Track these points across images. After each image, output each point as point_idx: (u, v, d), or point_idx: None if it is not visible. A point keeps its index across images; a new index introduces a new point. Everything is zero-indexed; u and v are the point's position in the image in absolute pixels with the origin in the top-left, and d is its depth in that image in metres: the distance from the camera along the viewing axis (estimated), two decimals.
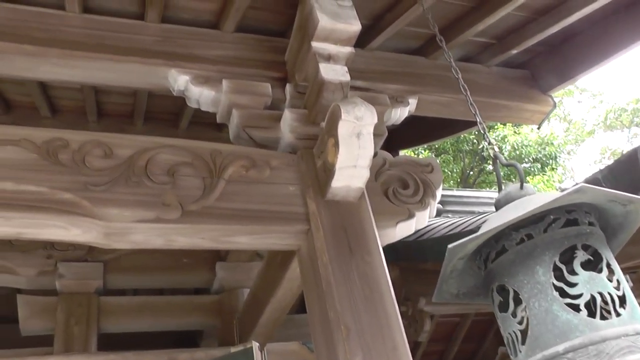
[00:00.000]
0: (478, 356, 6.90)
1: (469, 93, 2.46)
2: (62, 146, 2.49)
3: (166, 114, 4.60)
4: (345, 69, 2.91)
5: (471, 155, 16.89)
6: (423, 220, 3.08)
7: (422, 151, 15.50)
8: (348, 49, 2.93)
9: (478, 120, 2.33)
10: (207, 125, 4.74)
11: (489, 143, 2.15)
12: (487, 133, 2.22)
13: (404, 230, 2.98)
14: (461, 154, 16.77)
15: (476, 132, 15.17)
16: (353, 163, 2.56)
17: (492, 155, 2.06)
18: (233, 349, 3.15)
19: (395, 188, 3.02)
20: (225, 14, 3.12)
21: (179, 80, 3.02)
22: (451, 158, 16.59)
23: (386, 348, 2.30)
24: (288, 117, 2.89)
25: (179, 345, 5.18)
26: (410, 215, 2.97)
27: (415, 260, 4.99)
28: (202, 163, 2.62)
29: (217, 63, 3.10)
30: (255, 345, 3.07)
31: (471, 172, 17.37)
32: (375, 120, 2.57)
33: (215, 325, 4.69)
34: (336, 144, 2.54)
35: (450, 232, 4.60)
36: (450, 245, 1.70)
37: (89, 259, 4.54)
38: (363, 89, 3.33)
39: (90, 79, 3.06)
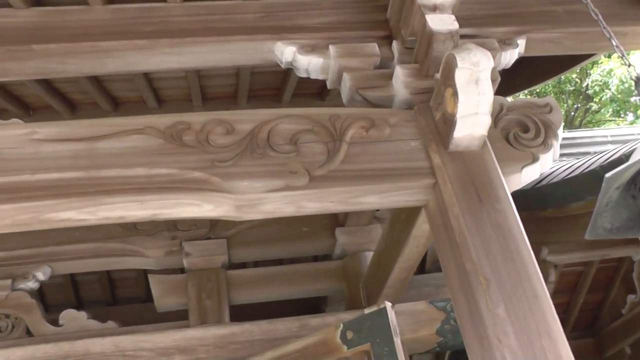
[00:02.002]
0: (605, 307, 6.66)
1: (600, 17, 2.34)
2: (185, 129, 2.58)
3: (268, 89, 4.68)
4: (453, 17, 2.86)
5: (574, 95, 16.21)
6: (547, 163, 2.99)
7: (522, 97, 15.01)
8: None
9: (614, 43, 2.21)
10: (309, 95, 4.79)
11: (629, 65, 2.04)
12: (625, 55, 2.11)
13: (529, 175, 2.90)
14: (564, 95, 16.13)
15: (577, 71, 14.58)
16: (474, 110, 2.51)
17: (633, 78, 1.96)
18: (367, 311, 3.17)
19: (516, 132, 2.93)
20: None
21: (286, 52, 3.05)
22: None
23: (527, 297, 2.26)
24: (400, 73, 2.85)
25: (305, 312, 5.31)
26: (535, 159, 2.88)
27: (535, 209, 4.86)
28: (322, 128, 2.63)
29: (321, 30, 3.11)
30: (388, 305, 3.08)
31: (575, 113, 16.70)
32: (492, 64, 2.51)
33: (341, 290, 4.73)
34: (455, 94, 2.49)
35: (570, 175, 4.45)
36: (607, 174, 1.64)
37: (212, 236, 4.69)
38: (470, 36, 3.24)
39: (200, 63, 3.15)
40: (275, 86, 4.65)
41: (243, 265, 5.33)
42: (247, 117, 2.65)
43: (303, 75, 3.12)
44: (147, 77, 4.17)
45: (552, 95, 15.79)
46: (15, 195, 2.41)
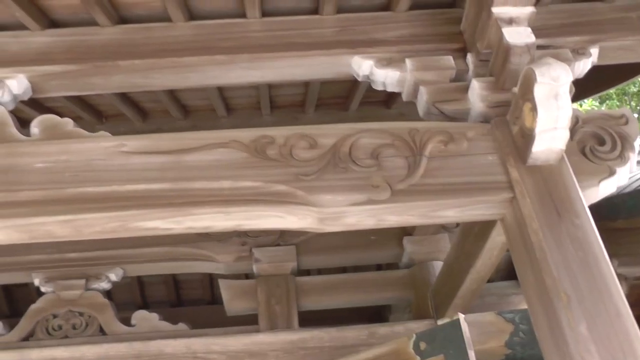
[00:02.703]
0: None
1: None
2: (268, 143, 2.65)
3: (335, 98, 4.74)
4: (529, 30, 2.85)
5: (638, 97, 15.78)
6: (624, 176, 2.96)
7: (584, 100, 14.70)
8: (529, 9, 2.87)
9: None
10: (375, 103, 4.83)
11: None
12: None
13: (606, 189, 2.87)
14: (626, 97, 15.73)
15: None
16: (553, 125, 2.50)
17: None
18: (439, 322, 3.19)
19: (592, 145, 2.91)
20: None
21: (363, 66, 3.09)
22: (616, 103, 15.56)
23: (609, 314, 2.24)
24: (476, 86, 2.87)
25: (368, 319, 5.35)
26: (612, 173, 2.86)
27: (605, 219, 4.77)
28: (402, 143, 2.67)
29: (397, 43, 3.14)
30: (461, 317, 3.09)
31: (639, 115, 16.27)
32: (571, 78, 2.50)
33: (408, 298, 4.76)
34: (533, 108, 2.49)
35: None
36: None
37: (281, 243, 4.77)
38: (543, 47, 3.22)
39: (278, 77, 3.23)
40: (342, 95, 4.70)
41: (307, 272, 5.41)
42: (329, 131, 2.70)
43: (380, 88, 3.15)
44: (219, 86, 4.27)
45: (615, 97, 15.43)
46: (105, 205, 2.53)
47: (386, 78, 3.09)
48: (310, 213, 2.56)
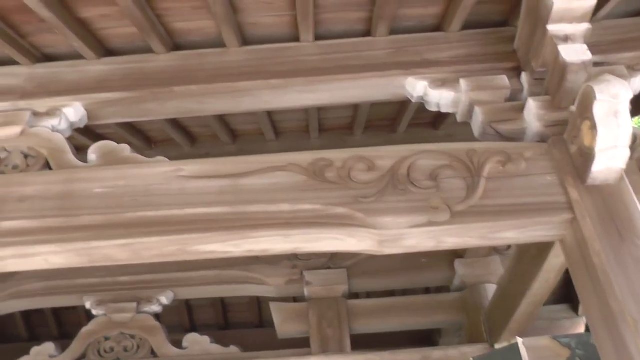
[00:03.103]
0: None
1: None
2: (326, 165, 2.65)
3: (384, 120, 4.75)
4: (585, 47, 2.79)
5: None
6: None
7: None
8: (585, 26, 2.81)
9: None
10: (422, 125, 4.83)
11: None
12: None
13: None
14: None
15: None
16: (613, 144, 2.44)
17: None
18: (497, 346, 3.13)
19: None
20: (450, 14, 3.13)
21: (418, 87, 3.09)
22: None
23: None
24: (532, 106, 2.82)
25: (417, 342, 5.29)
26: None
27: None
28: (460, 164, 2.64)
29: (451, 64, 3.12)
30: (520, 340, 3.04)
31: None
32: (631, 95, 2.45)
33: (460, 322, 4.70)
34: (593, 127, 2.44)
35: None
36: None
37: (332, 266, 4.76)
38: (598, 64, 3.16)
39: (333, 99, 3.25)
40: (390, 117, 4.70)
41: (356, 295, 5.38)
42: (387, 153, 2.69)
43: (434, 109, 3.14)
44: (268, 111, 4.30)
45: None
46: (164, 229, 2.55)
47: (440, 99, 3.07)
48: (369, 235, 2.54)
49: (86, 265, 2.76)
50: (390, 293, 5.47)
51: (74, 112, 3.13)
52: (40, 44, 3.25)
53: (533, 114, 2.81)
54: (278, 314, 4.61)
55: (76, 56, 3.26)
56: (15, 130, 3.03)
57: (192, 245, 2.58)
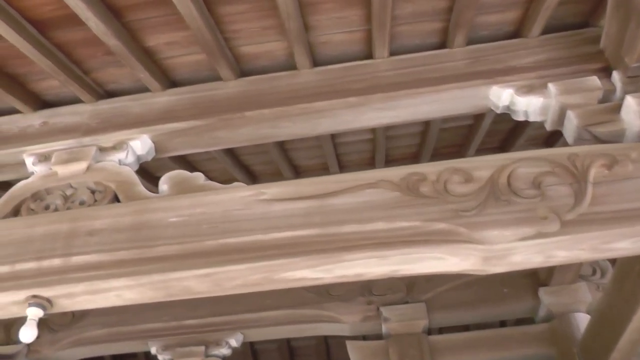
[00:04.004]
0: None
1: None
2: (420, 180, 2.45)
3: (451, 147, 4.59)
4: None
5: None
6: None
7: None
8: None
9: None
10: (491, 150, 4.63)
11: None
12: None
13: None
14: None
15: None
16: None
17: None
18: None
19: None
20: (529, 18, 2.96)
21: (503, 96, 2.90)
22: None
23: None
24: (632, 103, 2.58)
25: None
26: None
27: None
28: (563, 169, 2.41)
29: (535, 69, 2.92)
30: None
31: None
32: None
33: (550, 355, 4.36)
34: None
35: None
36: None
37: (410, 300, 4.54)
38: None
39: (413, 115, 3.06)
40: (457, 143, 4.54)
41: (429, 332, 5.12)
42: (482, 163, 2.47)
43: (521, 118, 2.93)
44: (333, 141, 4.16)
45: None
46: (248, 255, 2.36)
47: (528, 106, 2.87)
48: (474, 252, 2.31)
49: (161, 300, 2.57)
50: (464, 328, 5.19)
51: (140, 144, 3.02)
52: (104, 80, 3.18)
53: (633, 112, 2.58)
54: (356, 352, 4.38)
55: (139, 90, 3.19)
56: (80, 166, 2.94)
57: (279, 273, 2.38)
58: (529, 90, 2.86)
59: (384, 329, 4.44)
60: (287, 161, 4.39)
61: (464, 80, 2.93)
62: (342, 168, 4.60)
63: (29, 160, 3.12)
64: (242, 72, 3.13)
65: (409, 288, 4.54)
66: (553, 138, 4.46)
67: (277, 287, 2.48)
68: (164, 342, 4.69)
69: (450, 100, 2.97)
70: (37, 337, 4.76)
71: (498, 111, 2.96)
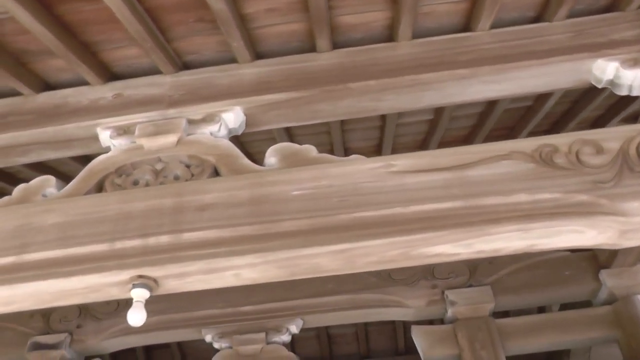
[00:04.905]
0: None
1: None
2: (552, 151, 2.38)
3: (503, 129, 4.53)
4: None
5: None
6: None
7: None
8: None
9: None
10: (542, 133, 4.54)
11: None
12: None
13: None
14: None
15: None
16: None
17: None
18: None
19: None
20: None
21: (608, 69, 2.82)
22: None
23: None
24: None
25: None
26: None
27: None
28: None
29: (638, 42, 2.86)
30: None
31: None
32: None
33: (614, 337, 4.33)
34: None
35: None
36: None
37: (473, 284, 4.47)
38: None
39: (519, 89, 2.97)
40: (509, 125, 4.49)
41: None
42: (610, 135, 2.41)
43: (623, 93, 2.86)
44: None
45: None
46: (387, 230, 2.25)
47: (634, 80, 2.79)
48: (613, 225, 2.24)
49: (284, 279, 2.46)
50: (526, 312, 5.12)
51: (233, 116, 2.88)
52: (185, 50, 3.03)
53: None
54: (423, 337, 4.28)
55: (221, 62, 3.05)
56: (169, 139, 2.80)
57: (418, 248, 2.27)
58: (634, 63, 2.79)
59: (449, 312, 4.37)
60: (342, 142, 4.27)
61: (569, 54, 2.85)
62: (394, 151, 4.48)
63: (104, 134, 2.97)
64: (335, 44, 2.99)
65: (472, 271, 4.47)
66: (601, 120, 4.44)
67: (412, 264, 2.38)
68: (220, 330, 4.55)
69: (555, 74, 2.89)
70: (80, 327, 4.69)
71: (600, 85, 2.89)
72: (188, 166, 2.71)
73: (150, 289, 2.36)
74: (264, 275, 2.40)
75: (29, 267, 2.43)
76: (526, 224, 2.23)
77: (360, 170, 2.42)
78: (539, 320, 4.41)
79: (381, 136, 4.30)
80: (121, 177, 2.74)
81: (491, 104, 4.00)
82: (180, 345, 6.46)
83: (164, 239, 2.37)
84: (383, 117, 4.03)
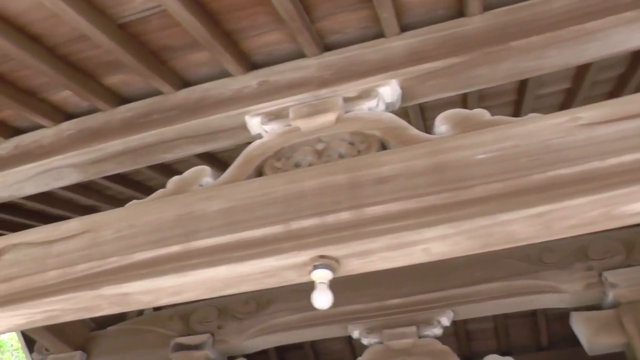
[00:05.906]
0: None
1: None
2: None
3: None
4: None
5: None
6: None
7: None
8: None
9: None
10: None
11: None
12: None
13: None
14: None
15: None
16: None
17: None
18: None
19: None
20: None
21: None
22: None
23: None
24: None
25: None
26: None
27: None
28: None
29: None
30: None
31: None
32: None
33: None
34: None
35: None
36: None
37: (632, 263, 4.11)
38: None
39: None
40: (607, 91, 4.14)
41: None
42: None
43: None
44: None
45: None
46: (586, 187, 2.04)
47: None
48: None
49: (475, 252, 2.29)
50: None
51: (390, 90, 2.76)
52: (329, 30, 2.93)
53: None
54: (585, 325, 3.92)
55: (365, 39, 2.93)
56: (327, 118, 2.73)
57: (620, 206, 2.05)
58: None
59: (610, 296, 4.02)
60: None
61: None
62: None
63: (254, 121, 2.93)
64: (485, 6, 2.79)
65: (629, 249, 4.13)
66: None
67: (612, 226, 2.16)
68: (368, 325, 4.40)
69: None
70: (221, 327, 4.65)
71: None
72: (352, 143, 2.62)
73: (332, 269, 2.25)
74: (454, 248, 2.25)
75: (197, 254, 2.38)
76: None
77: (544, 127, 2.23)
78: None
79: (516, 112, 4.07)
80: (280, 160, 2.69)
81: (632, 64, 3.71)
82: (313, 345, 6.37)
83: (344, 215, 2.27)
84: (521, 90, 3.82)
